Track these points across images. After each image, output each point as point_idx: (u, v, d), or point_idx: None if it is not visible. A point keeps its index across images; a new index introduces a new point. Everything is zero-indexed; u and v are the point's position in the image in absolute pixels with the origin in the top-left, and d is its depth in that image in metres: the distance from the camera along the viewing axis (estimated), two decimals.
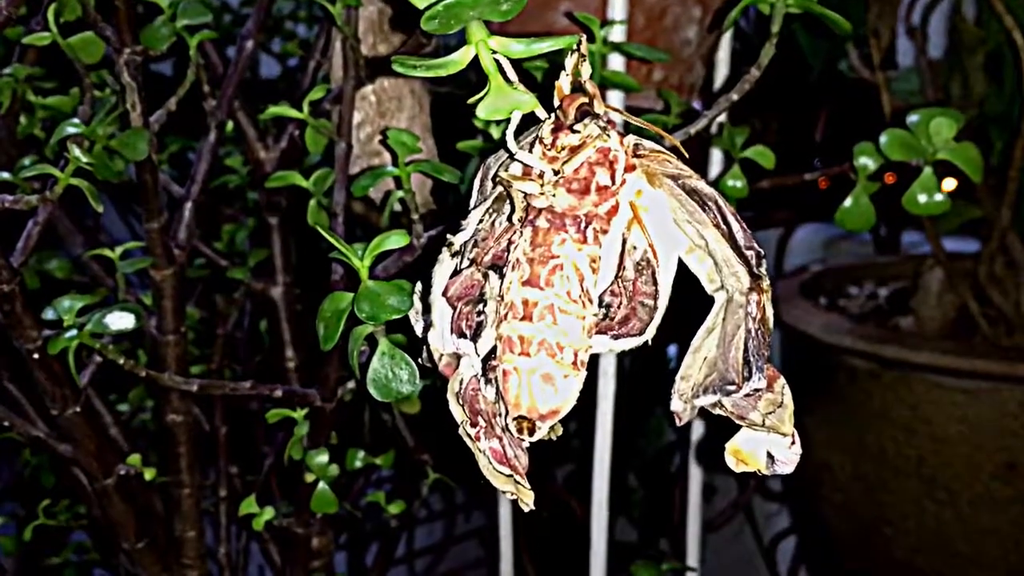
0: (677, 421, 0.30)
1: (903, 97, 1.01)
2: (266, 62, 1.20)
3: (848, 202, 0.51)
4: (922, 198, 0.48)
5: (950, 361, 0.85)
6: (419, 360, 0.33)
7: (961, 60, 0.97)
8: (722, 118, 0.62)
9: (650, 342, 0.30)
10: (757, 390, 0.28)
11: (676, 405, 0.30)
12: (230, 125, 0.59)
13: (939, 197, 0.48)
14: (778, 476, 0.30)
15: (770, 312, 0.28)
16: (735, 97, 0.43)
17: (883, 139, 0.48)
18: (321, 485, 0.55)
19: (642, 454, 1.22)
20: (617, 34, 0.61)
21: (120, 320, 0.46)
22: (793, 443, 0.30)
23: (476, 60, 0.29)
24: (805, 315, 0.97)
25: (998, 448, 0.84)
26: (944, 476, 0.86)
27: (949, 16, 1.02)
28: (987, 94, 0.96)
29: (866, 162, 0.50)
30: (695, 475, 0.84)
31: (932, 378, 0.85)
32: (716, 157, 0.75)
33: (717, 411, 0.30)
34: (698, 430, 0.85)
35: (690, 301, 0.33)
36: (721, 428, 0.32)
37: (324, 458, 0.54)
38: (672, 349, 1.24)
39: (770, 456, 0.31)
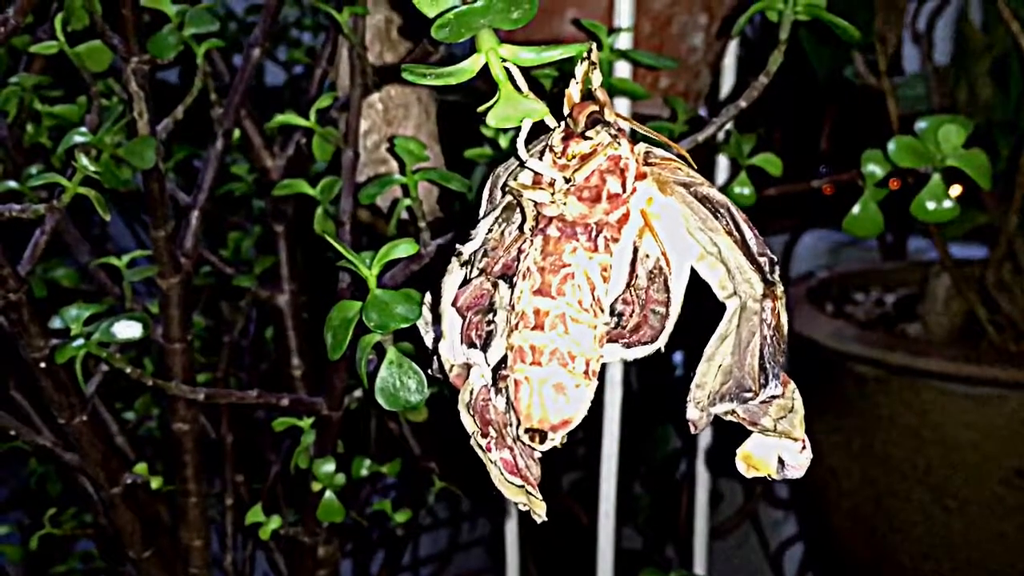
0: (692, 429, 0.30)
1: (909, 104, 1.01)
2: (271, 70, 1.20)
3: (856, 209, 0.50)
4: (931, 205, 0.48)
5: (958, 368, 0.84)
6: (428, 371, 0.33)
7: (967, 66, 0.96)
8: (729, 125, 0.62)
9: (663, 349, 0.30)
10: (773, 397, 0.28)
11: (692, 413, 0.29)
12: (237, 133, 0.59)
13: (948, 204, 0.48)
14: (785, 483, 0.30)
15: (784, 319, 0.28)
16: (743, 104, 0.43)
17: (891, 146, 0.47)
18: (327, 494, 0.55)
19: (648, 462, 1.22)
20: (623, 41, 0.61)
21: (127, 329, 0.46)
22: (804, 448, 0.30)
23: (485, 68, 0.28)
24: (812, 322, 0.97)
25: (1007, 454, 0.83)
26: (952, 483, 0.85)
27: (955, 22, 1.02)
28: (993, 100, 0.96)
29: (874, 169, 0.49)
30: (702, 482, 0.84)
31: (940, 385, 0.85)
32: (723, 164, 0.75)
33: (728, 417, 0.29)
34: (705, 437, 0.85)
35: (697, 309, 0.32)
36: (728, 434, 0.32)
37: (330, 467, 0.54)
38: (678, 357, 1.23)
39: (780, 461, 0.30)
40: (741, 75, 0.76)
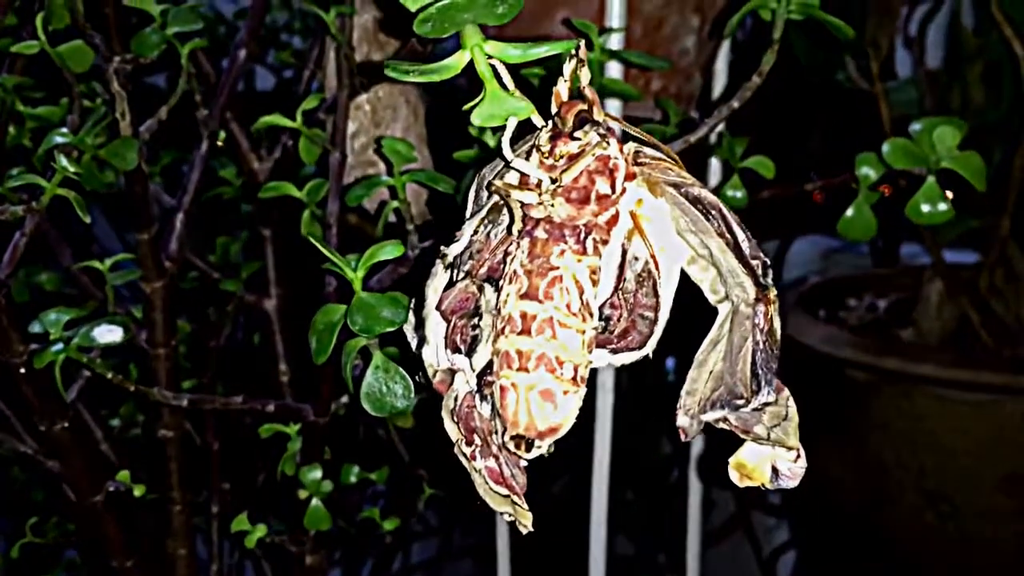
0: (682, 436, 0.29)
1: (901, 108, 1.00)
2: (261, 76, 1.19)
3: (850, 212, 0.50)
4: (926, 208, 0.47)
5: (952, 373, 0.84)
6: (416, 377, 0.33)
7: (960, 70, 0.96)
8: (721, 127, 0.62)
9: (651, 356, 0.29)
10: (766, 404, 0.27)
11: (682, 420, 0.29)
12: (223, 135, 0.58)
13: (943, 206, 0.47)
14: (778, 489, 0.30)
15: (778, 324, 0.27)
16: (736, 104, 0.43)
17: (886, 148, 0.47)
18: (314, 501, 0.54)
19: (639, 468, 1.21)
20: (615, 42, 0.60)
21: (108, 333, 0.45)
22: (798, 457, 0.29)
23: (471, 66, 0.28)
24: (804, 327, 0.96)
25: (1001, 460, 0.83)
26: (946, 489, 0.85)
27: (947, 26, 1.02)
28: (985, 104, 0.96)
29: (868, 172, 0.49)
30: (695, 489, 0.83)
31: (933, 390, 0.85)
32: (714, 168, 0.74)
33: (721, 425, 0.29)
34: (697, 444, 0.84)
35: (690, 312, 0.32)
36: (721, 441, 0.31)
37: (317, 474, 0.53)
38: (670, 362, 1.23)
39: (774, 470, 0.30)
40: (732, 80, 0.76)
